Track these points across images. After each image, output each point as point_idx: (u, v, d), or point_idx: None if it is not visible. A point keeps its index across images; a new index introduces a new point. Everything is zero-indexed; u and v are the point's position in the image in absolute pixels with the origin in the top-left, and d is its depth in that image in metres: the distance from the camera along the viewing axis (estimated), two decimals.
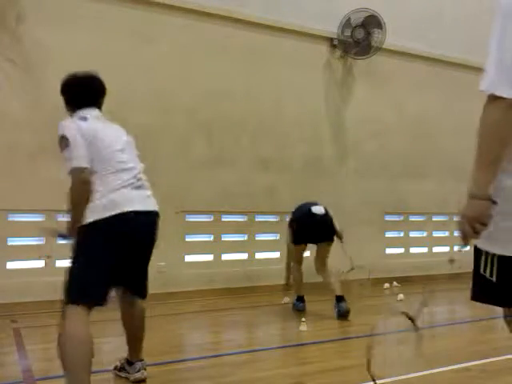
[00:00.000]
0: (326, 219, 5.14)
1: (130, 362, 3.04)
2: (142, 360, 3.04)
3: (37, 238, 5.33)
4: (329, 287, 5.03)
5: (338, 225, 5.18)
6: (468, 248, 1.74)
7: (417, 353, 2.34)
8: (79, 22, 5.52)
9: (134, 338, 3.01)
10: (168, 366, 3.41)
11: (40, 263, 5.36)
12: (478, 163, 1.60)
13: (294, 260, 5.44)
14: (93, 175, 2.64)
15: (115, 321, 3.09)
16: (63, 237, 2.77)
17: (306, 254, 5.98)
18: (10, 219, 5.29)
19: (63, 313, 2.53)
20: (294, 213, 5.40)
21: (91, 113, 2.83)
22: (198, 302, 5.80)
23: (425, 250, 8.03)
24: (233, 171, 6.38)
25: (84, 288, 2.55)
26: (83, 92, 2.93)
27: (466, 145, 8.60)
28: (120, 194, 2.65)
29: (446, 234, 8.23)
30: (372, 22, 6.94)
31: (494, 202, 1.60)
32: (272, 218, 6.75)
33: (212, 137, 6.29)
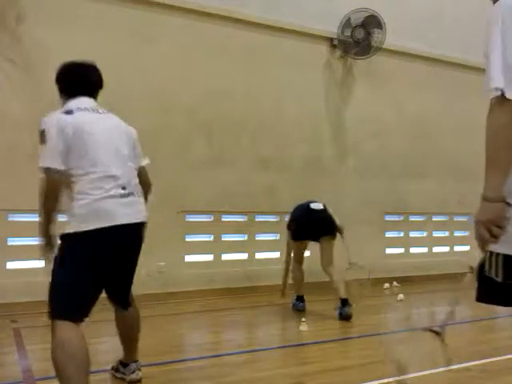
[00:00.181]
0: (325, 215, 5.16)
1: (124, 364, 3.01)
2: (136, 361, 3.00)
3: (37, 238, 5.32)
4: (332, 286, 5.01)
5: (337, 220, 5.19)
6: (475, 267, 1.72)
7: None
8: (79, 22, 5.52)
9: (128, 339, 2.97)
10: (168, 366, 3.41)
11: (40, 263, 5.36)
12: (489, 166, 1.58)
13: (294, 259, 5.43)
14: (73, 177, 2.52)
15: (112, 321, 3.08)
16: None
17: (306, 253, 5.98)
18: (10, 219, 5.29)
19: (52, 326, 2.47)
20: (292, 213, 5.41)
21: (85, 102, 2.71)
22: (197, 302, 5.80)
23: (425, 249, 8.03)
24: (233, 171, 6.38)
25: (67, 304, 2.48)
26: (78, 81, 2.79)
27: (466, 145, 8.68)
28: (103, 206, 2.50)
29: (446, 234, 8.24)
30: (372, 22, 6.93)
31: (509, 204, 1.58)
32: (272, 218, 6.74)
33: (212, 137, 6.29)
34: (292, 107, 6.79)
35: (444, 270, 7.61)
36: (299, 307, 5.35)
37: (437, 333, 2.08)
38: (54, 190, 2.50)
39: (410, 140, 7.68)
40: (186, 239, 6.15)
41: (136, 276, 2.92)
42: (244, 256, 6.56)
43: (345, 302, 4.85)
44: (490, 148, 1.57)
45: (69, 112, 2.60)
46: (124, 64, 5.70)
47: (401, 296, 6.06)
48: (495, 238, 1.59)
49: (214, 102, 6.24)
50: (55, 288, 2.52)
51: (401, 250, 7.86)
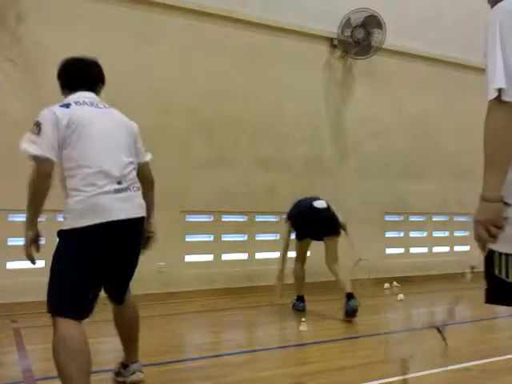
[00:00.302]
0: (328, 213, 5.13)
1: (124, 365, 2.98)
2: (137, 362, 2.97)
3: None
4: (339, 285, 4.95)
5: (340, 217, 5.19)
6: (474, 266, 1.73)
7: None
8: (79, 21, 5.52)
9: (128, 339, 2.95)
10: (168, 366, 3.40)
11: (40, 263, 5.36)
12: (486, 166, 1.61)
13: (296, 258, 5.41)
14: (66, 171, 2.51)
15: (112, 321, 3.08)
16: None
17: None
18: (10, 219, 5.30)
19: (53, 323, 2.46)
20: (293, 208, 5.33)
21: (85, 96, 2.69)
22: (197, 301, 5.80)
23: (425, 249, 8.03)
24: (233, 171, 6.38)
25: (66, 302, 2.46)
26: (78, 75, 2.76)
27: (466, 145, 8.67)
28: (99, 201, 2.47)
29: (446, 234, 8.24)
30: (372, 22, 6.94)
31: (507, 204, 1.61)
32: (272, 218, 6.74)
33: (212, 137, 6.29)
34: (292, 107, 6.80)
35: (444, 270, 7.61)
36: (299, 307, 5.34)
37: (439, 330, 2.08)
38: (44, 180, 2.46)
39: (410, 140, 7.69)
40: (186, 239, 6.16)
41: (138, 276, 2.91)
42: (244, 256, 6.56)
43: (350, 296, 4.79)
44: (488, 149, 1.60)
45: (66, 105, 2.60)
46: (124, 64, 5.70)
47: (401, 296, 6.06)
48: (494, 237, 1.61)
49: (214, 102, 6.24)
50: (54, 285, 2.50)
51: (401, 250, 7.86)
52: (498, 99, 1.57)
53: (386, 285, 7.02)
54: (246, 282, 6.37)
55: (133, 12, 5.81)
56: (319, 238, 5.18)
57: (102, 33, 5.64)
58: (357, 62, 7.25)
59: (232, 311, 5.47)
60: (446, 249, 8.22)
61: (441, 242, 8.18)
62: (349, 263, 5.33)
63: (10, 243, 5.27)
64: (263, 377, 3.22)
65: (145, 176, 2.90)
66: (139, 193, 2.74)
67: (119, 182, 2.57)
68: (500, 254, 1.66)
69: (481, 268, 1.76)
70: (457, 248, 8.25)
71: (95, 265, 2.53)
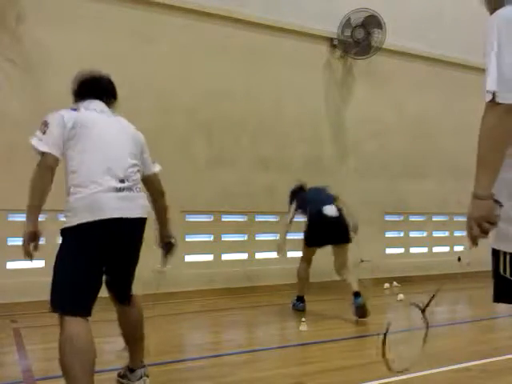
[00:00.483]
0: (338, 222, 5.02)
1: (131, 369, 2.94)
2: (143, 366, 2.95)
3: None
4: (347, 287, 4.90)
5: (352, 218, 5.13)
6: (468, 261, 1.80)
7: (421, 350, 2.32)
8: (79, 22, 5.52)
9: (132, 340, 2.92)
10: (168, 366, 3.41)
11: (40, 263, 5.36)
12: (479, 165, 1.69)
13: (303, 259, 5.36)
14: (68, 168, 2.55)
15: (115, 321, 3.08)
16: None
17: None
18: (10, 219, 5.30)
19: (60, 321, 2.47)
20: (306, 202, 5.22)
21: (94, 104, 2.78)
22: (197, 301, 5.80)
23: (425, 250, 8.03)
24: (233, 171, 6.38)
25: (67, 299, 2.47)
26: (89, 85, 2.93)
27: (466, 145, 8.61)
28: (97, 199, 2.49)
29: (446, 233, 8.24)
30: (372, 22, 6.94)
31: (497, 202, 1.68)
32: (272, 218, 6.74)
33: (212, 137, 6.29)
34: (292, 107, 6.80)
35: (444, 270, 7.60)
36: (299, 307, 5.33)
37: (420, 308, 2.16)
38: (46, 172, 2.50)
39: (410, 140, 7.69)
40: (186, 239, 6.15)
41: (138, 276, 2.91)
42: (244, 256, 6.56)
43: (357, 294, 4.76)
44: (481, 148, 1.68)
45: (74, 109, 2.71)
46: (124, 64, 5.69)
47: (401, 296, 6.06)
48: (485, 233, 1.68)
49: (214, 102, 6.24)
50: (56, 285, 2.52)
51: (401, 250, 7.86)
52: (493, 101, 1.64)
53: (386, 285, 7.02)
54: (246, 282, 6.38)
55: (133, 12, 5.81)
56: (330, 245, 5.10)
57: (102, 33, 5.64)
58: (357, 62, 7.25)
59: (232, 311, 5.47)
60: (446, 249, 8.22)
61: (441, 242, 8.18)
62: (353, 262, 5.32)
63: (9, 243, 5.27)
64: (263, 377, 3.22)
65: (155, 188, 2.95)
66: (142, 194, 2.75)
67: (122, 181, 2.59)
68: (505, 253, 1.73)
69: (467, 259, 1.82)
70: (457, 248, 8.25)
71: (94, 263, 2.53)
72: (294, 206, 5.33)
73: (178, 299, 5.70)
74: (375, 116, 7.39)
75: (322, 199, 5.17)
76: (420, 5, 7.62)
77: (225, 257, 6.43)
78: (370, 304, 4.85)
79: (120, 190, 2.57)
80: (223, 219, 6.44)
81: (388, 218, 7.67)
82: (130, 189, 2.63)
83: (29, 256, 2.57)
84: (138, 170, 2.76)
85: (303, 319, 4.53)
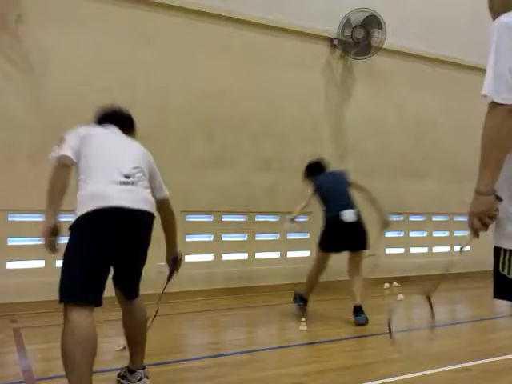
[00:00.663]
0: (356, 228, 4.87)
1: (130, 371, 2.94)
2: (144, 368, 2.94)
3: (37, 238, 5.32)
4: (351, 294, 4.82)
5: (381, 212, 5.08)
6: (469, 248, 1.88)
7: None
8: (79, 22, 5.52)
9: (134, 341, 2.93)
10: (168, 366, 3.41)
11: (40, 263, 5.36)
12: (482, 163, 1.78)
13: (316, 265, 5.09)
14: (79, 169, 2.70)
15: (115, 321, 3.08)
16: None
17: (306, 253, 5.99)
18: (10, 219, 5.29)
19: (64, 312, 2.49)
20: (322, 197, 5.05)
21: (110, 128, 2.95)
22: (197, 301, 5.81)
23: (425, 250, 8.03)
24: (233, 171, 6.38)
25: (72, 286, 2.51)
26: (108, 113, 3.12)
27: (466, 145, 8.64)
28: (102, 190, 2.61)
29: (446, 233, 8.24)
30: (372, 22, 6.94)
31: (498, 198, 1.78)
32: (272, 218, 6.74)
33: (212, 137, 6.29)
34: (292, 107, 6.80)
35: (444, 270, 7.60)
36: (300, 306, 5.27)
37: (429, 298, 2.26)
38: (62, 169, 2.67)
39: (410, 140, 7.69)
40: (186, 239, 6.15)
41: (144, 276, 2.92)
42: (244, 256, 6.56)
43: (358, 310, 4.69)
44: (484, 147, 1.77)
45: (91, 124, 2.95)
46: (124, 64, 5.71)
47: (401, 296, 6.06)
48: (486, 226, 1.81)
49: (214, 102, 6.24)
50: (62, 274, 2.55)
51: (401, 250, 7.86)
52: (492, 102, 1.74)
53: (386, 285, 7.02)
54: (246, 282, 6.37)
55: (133, 12, 5.81)
56: (345, 250, 4.95)
57: (102, 33, 5.64)
58: (357, 62, 7.25)
59: (232, 311, 5.47)
60: (446, 249, 8.22)
61: (441, 241, 8.18)
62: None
63: (9, 243, 5.27)
64: (263, 377, 3.22)
65: (167, 210, 3.07)
66: (148, 191, 2.82)
67: (126, 177, 2.70)
68: (505, 250, 1.82)
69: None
70: (457, 248, 8.24)
71: (98, 250, 2.57)
72: (310, 192, 5.15)
73: (177, 299, 5.69)
74: (375, 116, 7.39)
75: (340, 199, 4.98)
76: (420, 5, 7.62)
77: (225, 257, 6.43)
78: (369, 304, 4.85)
79: (124, 183, 2.68)
80: (223, 219, 6.44)
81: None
82: (134, 184, 2.72)
83: (51, 250, 2.63)
84: (144, 174, 2.81)
85: (303, 319, 4.53)
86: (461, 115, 8.04)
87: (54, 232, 2.60)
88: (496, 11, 1.88)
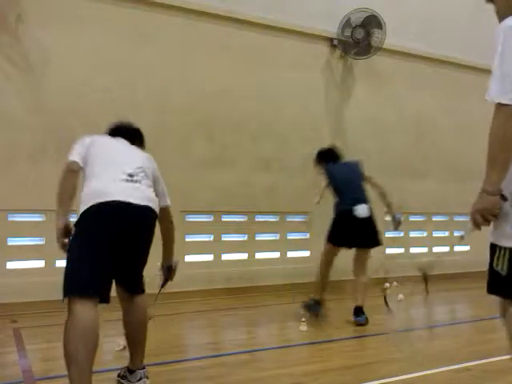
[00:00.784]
0: (369, 224, 4.74)
1: (130, 371, 2.94)
2: (143, 368, 2.94)
3: (37, 238, 5.33)
4: (353, 293, 4.76)
5: (392, 209, 4.98)
6: (464, 235, 1.99)
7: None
8: (79, 22, 5.52)
9: (134, 341, 2.92)
10: (168, 366, 3.40)
11: (40, 263, 5.37)
12: (489, 163, 1.83)
13: (325, 261, 4.88)
14: (85, 173, 2.79)
15: (116, 321, 3.08)
16: None
17: (306, 253, 5.98)
18: (10, 219, 5.29)
19: (68, 306, 2.52)
20: (336, 187, 4.85)
21: (117, 138, 3.05)
22: (197, 302, 5.80)
23: (425, 249, 8.03)
24: (233, 171, 6.38)
25: (75, 280, 2.53)
26: (116, 128, 3.20)
27: (466, 145, 8.64)
28: (104, 186, 2.68)
29: (446, 233, 8.24)
30: (372, 22, 6.94)
31: (504, 198, 1.85)
32: (272, 218, 6.74)
33: (212, 137, 6.29)
34: (292, 107, 6.79)
35: (444, 270, 7.60)
36: (317, 311, 4.91)
37: (425, 275, 2.41)
38: (70, 173, 2.77)
39: (410, 140, 7.68)
40: (186, 239, 6.15)
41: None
42: (244, 256, 6.56)
43: (359, 311, 4.63)
44: (491, 147, 1.81)
45: (99, 135, 3.04)
46: (124, 64, 5.71)
47: (401, 296, 6.07)
48: (488, 222, 1.89)
49: (214, 102, 6.24)
50: (65, 270, 2.58)
51: (401, 250, 7.86)
52: (498, 103, 1.78)
53: (386, 285, 7.01)
54: (245, 282, 6.37)
55: (133, 12, 5.81)
56: (354, 246, 4.81)
57: (102, 33, 5.64)
58: (357, 62, 7.25)
59: (232, 311, 5.47)
60: (446, 249, 8.22)
61: (441, 242, 8.18)
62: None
63: (9, 243, 5.27)
64: (263, 377, 3.22)
65: (166, 218, 3.10)
66: (151, 190, 2.86)
67: (130, 175, 2.76)
68: (500, 248, 1.88)
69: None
70: (457, 248, 8.25)
71: (101, 243, 2.59)
72: (323, 182, 4.93)
73: (177, 299, 5.69)
74: (375, 116, 7.39)
75: (354, 192, 4.80)
76: (420, 5, 7.61)
77: (225, 257, 6.43)
78: (369, 304, 4.84)
79: (128, 181, 2.74)
80: (223, 219, 6.44)
81: (388, 217, 7.66)
82: (138, 182, 2.78)
83: (64, 250, 2.71)
84: (147, 175, 2.86)
85: (303, 319, 4.53)
86: (461, 115, 8.04)
87: (65, 233, 2.70)
88: (502, 15, 1.93)
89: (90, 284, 2.53)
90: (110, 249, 2.62)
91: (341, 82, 7.31)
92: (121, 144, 2.98)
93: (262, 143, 6.59)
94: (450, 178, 7.90)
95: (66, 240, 2.69)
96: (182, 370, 3.40)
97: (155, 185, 2.94)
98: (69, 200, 2.72)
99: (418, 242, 8.02)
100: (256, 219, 6.64)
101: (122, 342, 3.70)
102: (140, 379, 2.91)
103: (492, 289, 1.97)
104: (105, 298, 2.58)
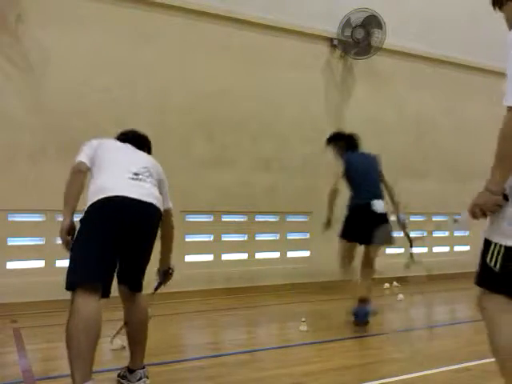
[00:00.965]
0: (385, 221, 4.55)
1: (130, 370, 2.94)
2: (143, 368, 2.94)
3: (37, 238, 5.33)
4: (355, 291, 4.55)
5: (399, 211, 4.83)
6: (458, 221, 2.05)
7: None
8: (79, 21, 5.52)
9: (134, 341, 2.93)
10: (168, 366, 3.41)
11: (40, 263, 5.37)
12: (495, 164, 1.90)
13: (345, 259, 4.64)
14: (93, 169, 2.84)
15: (117, 321, 3.08)
16: None
17: (306, 253, 5.96)
18: (10, 219, 5.29)
19: (71, 299, 2.56)
20: (353, 178, 4.63)
21: (126, 144, 3.11)
22: (197, 302, 5.80)
23: (425, 250, 8.02)
24: (233, 171, 6.37)
25: (78, 271, 2.57)
26: (124, 134, 3.26)
27: (466, 145, 8.63)
28: (110, 183, 2.74)
29: (446, 233, 8.24)
30: (372, 22, 6.93)
31: (506, 197, 1.91)
32: (272, 218, 6.74)
33: (212, 137, 6.29)
34: (292, 107, 6.79)
35: (444, 270, 7.61)
36: (369, 311, 4.47)
37: (410, 240, 2.53)
38: (76, 173, 2.82)
39: (410, 140, 7.68)
40: (186, 239, 6.15)
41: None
42: (244, 256, 6.56)
43: (365, 301, 4.48)
44: (499, 148, 1.88)
45: (106, 138, 3.09)
46: (124, 64, 5.71)
47: (401, 296, 6.07)
48: (485, 216, 1.96)
49: (214, 102, 6.24)
50: (70, 261, 2.63)
51: (401, 250, 7.85)
52: (509, 106, 1.85)
53: (386, 285, 7.02)
54: (246, 282, 6.37)
55: (133, 12, 5.81)
56: (366, 243, 4.58)
57: (102, 33, 5.63)
58: (357, 62, 7.25)
59: (232, 311, 5.47)
60: (447, 249, 8.22)
61: (441, 241, 8.18)
62: None
63: (9, 243, 5.27)
64: (263, 377, 3.22)
65: (167, 221, 3.12)
66: (156, 188, 2.90)
67: (135, 174, 2.82)
68: (495, 244, 1.94)
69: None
70: (457, 248, 8.25)
71: (105, 237, 2.63)
72: (340, 170, 4.64)
73: (177, 299, 5.69)
74: (375, 116, 7.38)
75: (372, 185, 4.62)
76: (420, 5, 7.61)
77: (225, 257, 6.43)
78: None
79: (133, 179, 2.79)
80: (223, 219, 6.44)
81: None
82: (143, 180, 2.82)
83: (67, 248, 2.75)
84: (151, 175, 2.91)
85: (303, 319, 4.53)
86: (461, 115, 8.03)
87: (69, 231, 2.74)
88: (511, 21, 2.02)
89: (94, 274, 2.57)
90: (114, 243, 2.66)
91: (341, 82, 7.31)
92: (128, 148, 3.04)
93: (262, 143, 6.59)
94: (450, 177, 7.90)
95: (70, 238, 2.73)
96: (181, 370, 3.40)
97: (160, 187, 2.97)
98: (75, 199, 2.77)
99: (418, 242, 8.01)
100: (256, 219, 6.64)
101: (119, 341, 3.71)
102: (140, 379, 2.91)
103: (481, 282, 2.03)
104: (106, 292, 2.61)
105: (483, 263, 1.98)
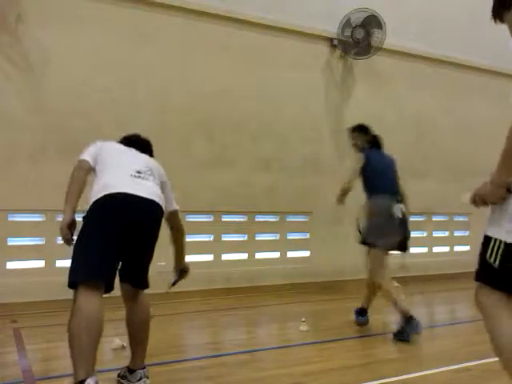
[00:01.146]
0: (404, 227, 4.61)
1: (131, 370, 2.94)
2: (143, 368, 2.94)
3: (37, 238, 5.33)
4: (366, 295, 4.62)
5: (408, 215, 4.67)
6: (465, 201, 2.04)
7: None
8: (79, 21, 5.52)
9: (135, 340, 2.93)
10: (168, 366, 3.41)
11: (40, 263, 5.36)
12: (503, 159, 1.91)
13: (376, 268, 4.43)
14: (97, 169, 2.88)
15: (119, 320, 3.08)
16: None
17: (306, 253, 5.94)
18: (10, 219, 5.28)
19: (73, 296, 2.58)
20: (371, 179, 4.54)
21: (130, 147, 3.15)
22: (197, 302, 5.80)
23: (425, 249, 8.03)
24: (233, 171, 6.37)
25: (80, 268, 2.59)
26: (127, 138, 3.29)
27: (466, 145, 8.63)
28: (112, 181, 2.77)
29: (446, 233, 8.24)
30: (372, 22, 6.93)
31: (509, 191, 1.92)
32: (272, 218, 6.74)
33: (212, 137, 6.28)
34: (292, 107, 6.79)
35: (444, 270, 7.61)
36: (407, 334, 4.07)
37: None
38: (79, 171, 2.86)
39: (410, 140, 7.68)
40: (186, 239, 6.12)
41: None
42: (244, 256, 6.56)
43: (360, 311, 4.64)
44: (506, 146, 1.88)
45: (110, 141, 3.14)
46: (124, 64, 5.70)
47: (401, 296, 6.05)
48: (486, 205, 1.99)
49: (214, 102, 6.24)
50: (73, 258, 2.65)
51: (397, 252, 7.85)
52: None
53: None
54: (246, 282, 6.37)
55: (133, 12, 5.80)
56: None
57: (102, 33, 5.63)
58: (357, 62, 7.25)
59: (232, 311, 5.47)
60: (446, 249, 8.22)
61: (441, 241, 8.18)
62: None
63: (9, 243, 5.27)
64: (263, 377, 3.23)
65: (176, 223, 3.27)
66: (158, 187, 2.93)
67: (138, 172, 2.86)
68: (495, 240, 1.94)
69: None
70: (457, 248, 8.25)
71: (108, 233, 2.65)
72: (358, 166, 4.52)
73: (177, 299, 5.69)
74: (375, 116, 7.36)
75: (392, 188, 4.60)
76: (420, 5, 7.61)
77: (225, 257, 6.42)
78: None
79: (136, 177, 2.83)
80: (223, 219, 6.44)
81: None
82: (145, 178, 2.86)
83: (67, 243, 2.79)
84: (153, 175, 2.94)
85: (303, 319, 4.53)
86: (461, 115, 8.03)
87: (70, 227, 2.76)
88: None
89: (97, 272, 2.59)
90: (117, 240, 2.67)
91: (341, 82, 7.31)
92: (131, 151, 3.07)
93: (262, 143, 6.59)
94: (450, 178, 7.89)
95: (69, 233, 2.75)
96: (181, 370, 3.40)
97: (162, 188, 2.99)
98: (76, 196, 2.79)
99: (418, 242, 8.01)
100: (256, 219, 6.64)
101: (119, 340, 3.71)
102: (140, 379, 2.91)
103: (480, 277, 2.04)
104: (109, 287, 2.64)
105: (483, 259, 1.99)
